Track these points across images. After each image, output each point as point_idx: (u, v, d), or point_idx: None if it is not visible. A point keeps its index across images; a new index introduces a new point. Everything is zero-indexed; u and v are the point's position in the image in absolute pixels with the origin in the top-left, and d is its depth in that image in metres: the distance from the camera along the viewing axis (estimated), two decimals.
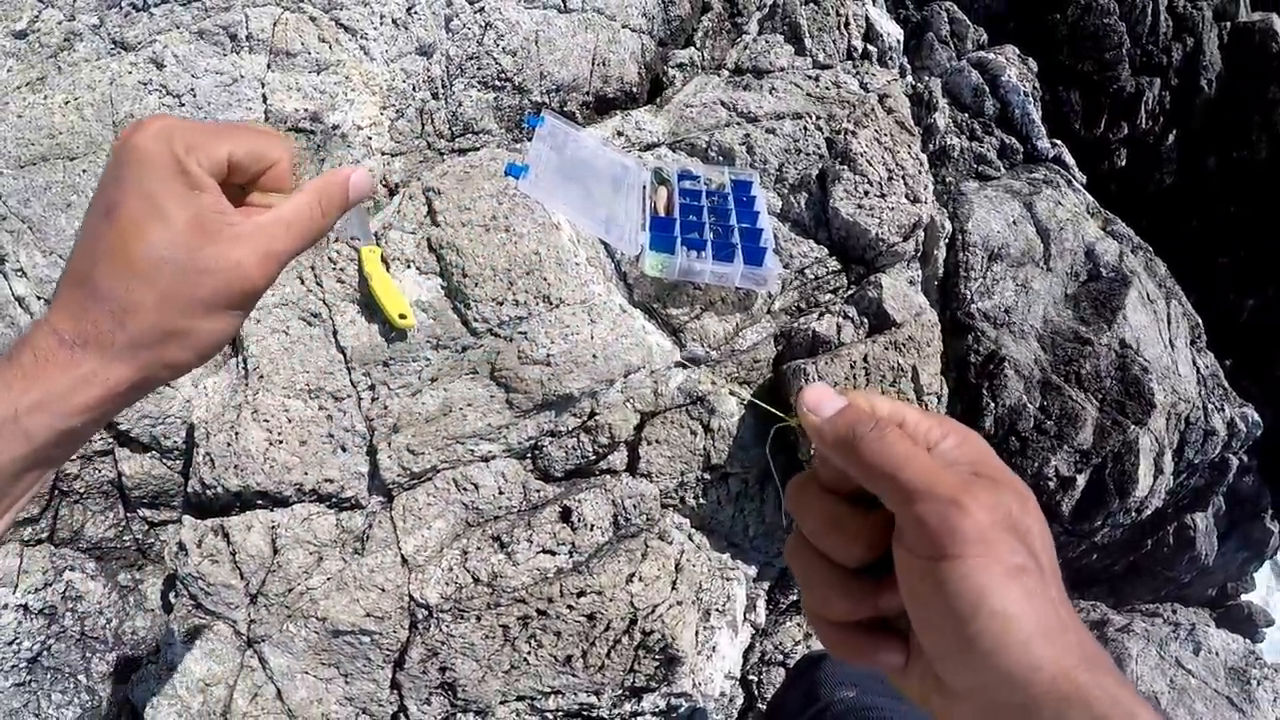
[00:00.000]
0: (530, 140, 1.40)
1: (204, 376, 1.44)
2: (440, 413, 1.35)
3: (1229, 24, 3.38)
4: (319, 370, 1.34)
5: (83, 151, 1.48)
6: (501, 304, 1.35)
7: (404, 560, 1.33)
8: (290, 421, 1.32)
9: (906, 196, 1.62)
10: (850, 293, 1.62)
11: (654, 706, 1.45)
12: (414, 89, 1.60)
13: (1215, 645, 2.90)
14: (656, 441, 1.46)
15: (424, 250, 1.38)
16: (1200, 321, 2.44)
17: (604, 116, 1.74)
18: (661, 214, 1.46)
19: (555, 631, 1.36)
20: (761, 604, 1.71)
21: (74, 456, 1.50)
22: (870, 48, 1.94)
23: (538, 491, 1.41)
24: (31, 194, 1.47)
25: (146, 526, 1.60)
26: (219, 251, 0.47)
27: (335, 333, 1.35)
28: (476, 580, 1.34)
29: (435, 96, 1.63)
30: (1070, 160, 2.39)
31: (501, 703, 1.38)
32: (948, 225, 2.04)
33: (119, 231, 0.46)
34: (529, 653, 1.36)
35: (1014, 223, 2.17)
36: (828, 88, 1.73)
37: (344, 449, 1.34)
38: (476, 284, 1.35)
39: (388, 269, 1.36)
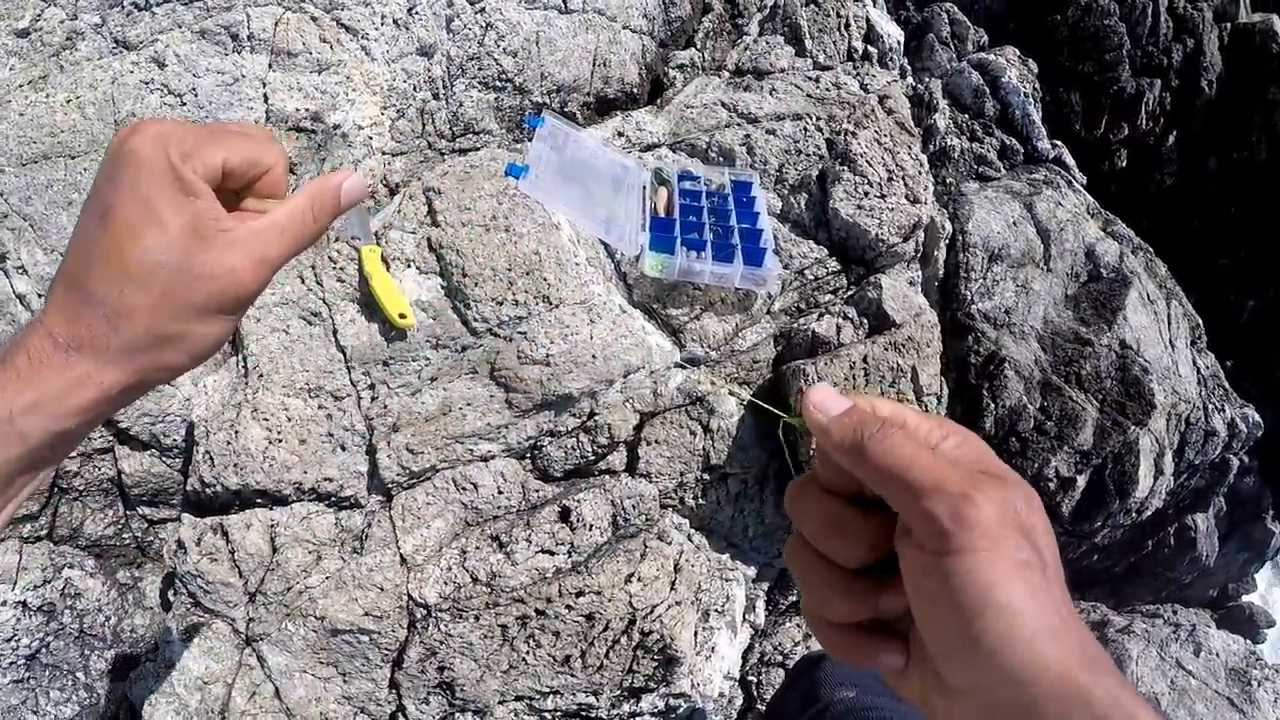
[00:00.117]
0: (531, 140, 1.40)
1: (204, 375, 1.44)
2: (440, 412, 1.35)
3: (1229, 25, 3.38)
4: (319, 369, 1.34)
5: (84, 150, 1.48)
6: (501, 304, 1.35)
7: (403, 559, 1.33)
8: (290, 420, 1.32)
9: (906, 197, 1.62)
10: (850, 293, 1.62)
11: (653, 707, 1.45)
12: (415, 89, 1.60)
13: (1216, 646, 2.89)
14: (656, 442, 1.46)
15: (424, 250, 1.38)
16: (1201, 322, 2.44)
17: (604, 117, 1.75)
18: (661, 214, 1.46)
19: (554, 631, 1.36)
20: (761, 605, 1.71)
21: (73, 454, 1.50)
22: (871, 49, 1.94)
23: (537, 491, 1.41)
24: (33, 192, 1.47)
25: (146, 524, 1.60)
26: (213, 257, 0.48)
27: (335, 332, 1.35)
28: (475, 580, 1.34)
29: (436, 97, 1.63)
30: (1070, 161, 2.39)
31: (500, 702, 1.38)
32: (948, 226, 2.04)
33: (113, 236, 0.46)
34: (527, 653, 1.36)
35: (1014, 223, 2.17)
36: (828, 89, 1.73)
37: (343, 448, 1.34)
38: (476, 284, 1.35)
39: (388, 268, 1.36)
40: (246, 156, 0.50)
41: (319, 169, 1.54)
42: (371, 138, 1.57)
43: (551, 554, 1.37)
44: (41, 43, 1.49)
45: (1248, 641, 3.02)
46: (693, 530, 1.55)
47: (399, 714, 1.36)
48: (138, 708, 1.34)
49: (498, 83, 1.66)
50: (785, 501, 0.48)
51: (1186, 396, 2.21)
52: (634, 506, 1.43)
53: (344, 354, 1.34)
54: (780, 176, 1.63)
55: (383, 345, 1.34)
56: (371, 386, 1.35)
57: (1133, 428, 2.07)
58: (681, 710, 1.48)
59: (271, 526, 1.31)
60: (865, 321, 1.55)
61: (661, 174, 1.53)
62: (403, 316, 1.31)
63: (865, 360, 1.45)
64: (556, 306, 1.37)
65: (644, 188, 1.48)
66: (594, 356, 1.37)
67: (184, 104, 1.49)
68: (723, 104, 1.68)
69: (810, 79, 1.76)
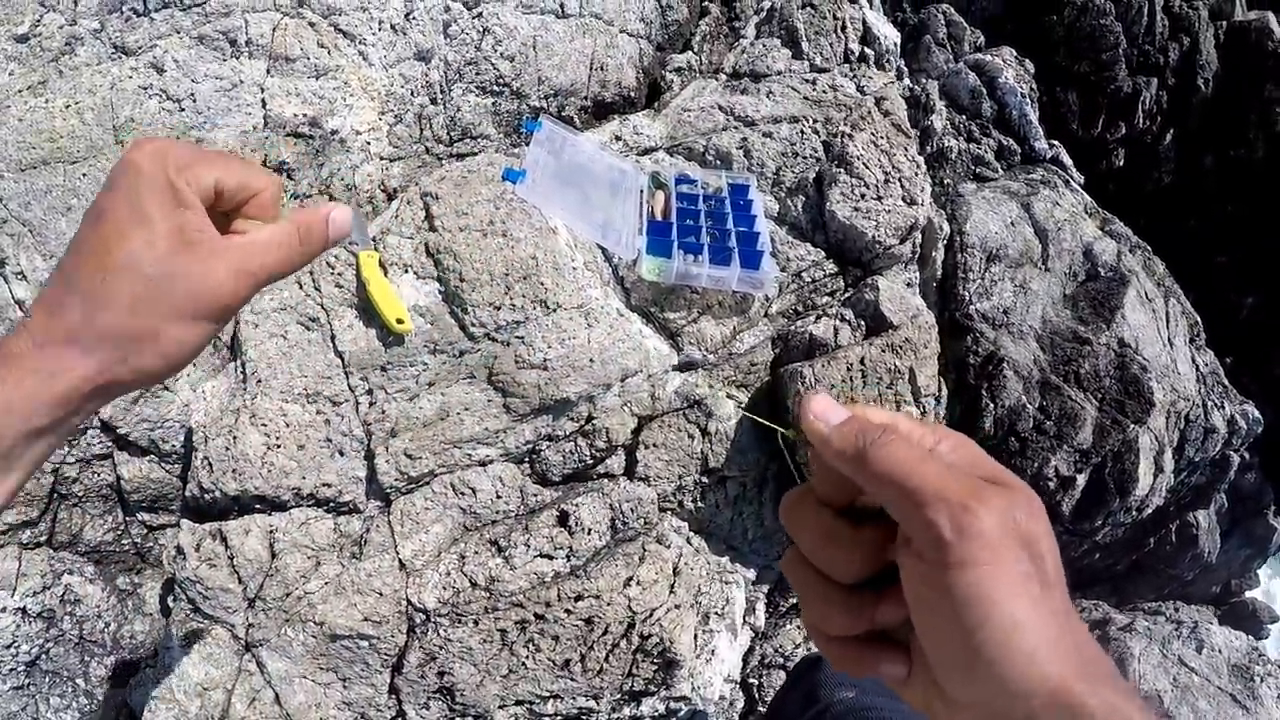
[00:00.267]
0: (528, 145, 1.40)
1: (202, 380, 1.44)
2: (438, 417, 1.36)
3: (1225, 23, 3.38)
4: (317, 375, 1.34)
5: (83, 155, 1.49)
6: (499, 308, 1.35)
7: (402, 564, 1.33)
8: (288, 426, 1.32)
9: (903, 199, 1.63)
10: (847, 295, 1.62)
11: (653, 710, 1.45)
12: (412, 94, 1.61)
13: (1218, 643, 2.89)
14: (654, 445, 1.46)
15: (421, 255, 1.39)
16: (1199, 320, 2.44)
17: (602, 121, 1.75)
18: (659, 218, 1.46)
19: (553, 635, 1.36)
20: (761, 607, 1.71)
21: (72, 460, 1.51)
22: (867, 51, 1.94)
23: (535, 496, 1.41)
24: (32, 197, 1.47)
25: (145, 530, 1.60)
26: (196, 260, 0.49)
27: (333, 337, 1.35)
28: (474, 584, 1.34)
29: (434, 102, 1.63)
30: (1068, 160, 2.40)
31: (500, 707, 1.38)
32: (946, 227, 2.05)
33: (102, 235, 0.48)
34: (527, 657, 1.36)
35: (1012, 223, 2.17)
36: (825, 91, 1.73)
37: (341, 453, 1.34)
38: (474, 289, 1.35)
39: (385, 274, 1.36)
40: (239, 179, 0.52)
41: (317, 174, 1.54)
42: (369, 143, 1.57)
43: (550, 558, 1.37)
44: (41, 48, 1.49)
45: (1250, 638, 3.02)
46: (692, 533, 1.55)
47: (399, 719, 1.36)
48: (138, 714, 1.34)
49: (495, 87, 1.67)
50: (780, 513, 0.48)
51: (1186, 394, 2.21)
52: (632, 510, 1.43)
53: (342, 359, 1.35)
54: (777, 179, 1.63)
55: (380, 350, 1.35)
56: (370, 392, 1.35)
57: (1132, 426, 2.07)
58: (682, 713, 1.48)
59: (270, 532, 1.31)
60: (862, 323, 1.55)
61: (659, 178, 1.53)
62: (400, 322, 1.32)
63: (862, 362, 1.45)
64: (554, 311, 1.37)
65: (641, 191, 1.48)
66: (591, 360, 1.38)
67: (182, 109, 1.50)
68: (720, 107, 1.68)
69: (807, 81, 1.76)
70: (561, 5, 1.71)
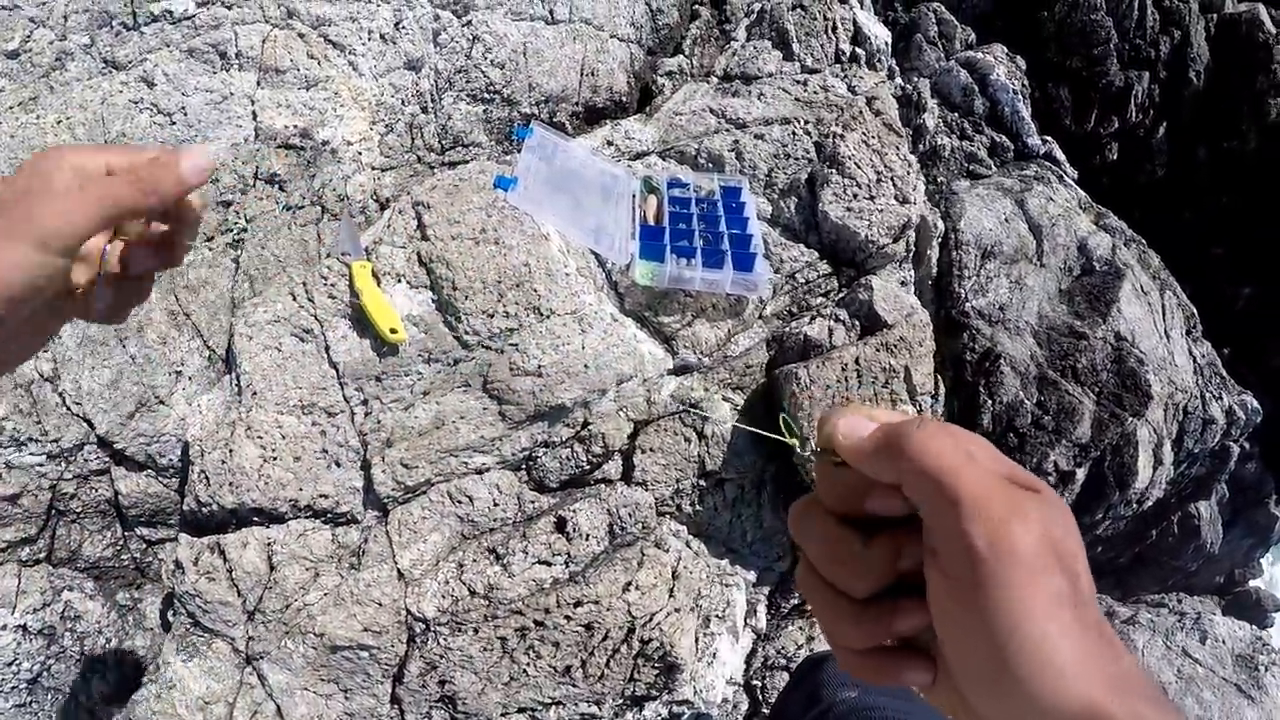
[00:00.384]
0: (519, 152, 1.40)
1: (198, 394, 1.44)
2: (433, 426, 1.36)
3: (1215, 15, 3.39)
4: (312, 386, 1.34)
5: None
6: (492, 316, 1.35)
7: (400, 574, 1.33)
8: (284, 438, 1.32)
9: (895, 198, 1.63)
10: (841, 295, 1.62)
11: (656, 715, 1.45)
12: (403, 103, 1.61)
13: (1222, 633, 2.89)
14: (651, 449, 1.46)
15: (414, 264, 1.39)
16: (1195, 311, 2.44)
17: (594, 126, 1.75)
18: (651, 223, 1.46)
19: (554, 642, 1.36)
20: (762, 609, 1.71)
21: (70, 476, 1.51)
22: (858, 51, 1.94)
23: (532, 502, 1.41)
24: None
25: (144, 545, 1.60)
26: (44, 191, 0.50)
27: (327, 348, 1.35)
28: (473, 593, 1.34)
29: (424, 110, 1.63)
30: (1061, 156, 2.40)
31: (503, 715, 1.38)
32: (940, 225, 2.05)
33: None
34: (528, 664, 1.36)
35: (1006, 220, 2.17)
36: (816, 92, 1.73)
37: (338, 464, 1.34)
38: (467, 297, 1.35)
39: (379, 284, 1.36)
40: (127, 157, 0.53)
41: (309, 185, 1.54)
42: (361, 153, 1.57)
43: (549, 565, 1.37)
44: (31, 64, 1.49)
45: (1254, 627, 3.02)
46: (691, 537, 1.55)
47: None
48: None
49: (486, 95, 1.67)
50: (789, 523, 0.46)
51: (1183, 386, 2.21)
52: (630, 515, 1.43)
53: (337, 370, 1.35)
54: (769, 181, 1.63)
55: (375, 360, 1.34)
56: (365, 402, 1.35)
57: (1130, 419, 2.07)
58: (685, 717, 1.48)
59: (268, 544, 1.31)
60: (857, 323, 1.55)
61: (651, 182, 1.54)
62: (394, 331, 1.31)
63: (857, 362, 1.45)
64: (547, 317, 1.37)
65: (633, 196, 1.48)
66: (586, 366, 1.38)
67: (173, 122, 1.50)
68: (711, 110, 1.68)
69: (798, 82, 1.76)
70: (551, 11, 1.72)
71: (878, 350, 1.47)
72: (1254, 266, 3.50)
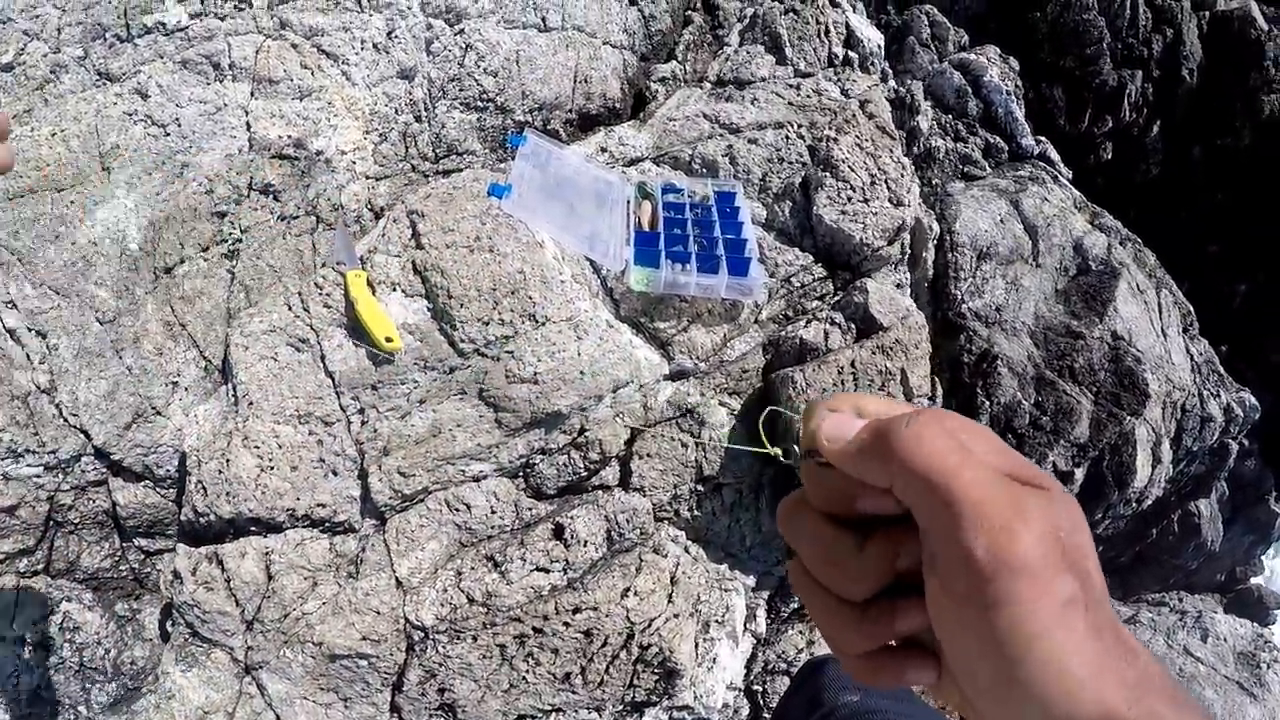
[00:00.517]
0: (513, 159, 1.41)
1: (194, 405, 1.45)
2: (430, 434, 1.36)
3: (1207, 13, 3.40)
4: (308, 395, 1.34)
5: (70, 183, 1.49)
6: (487, 324, 1.36)
7: (398, 582, 1.33)
8: (281, 447, 1.32)
9: (890, 200, 1.63)
10: (837, 299, 1.63)
11: None
12: (397, 112, 1.61)
13: (1223, 631, 2.89)
14: (648, 455, 1.46)
15: (409, 273, 1.39)
16: (1191, 309, 2.44)
17: (587, 133, 1.75)
18: (645, 228, 1.46)
19: (553, 649, 1.36)
20: (762, 613, 1.71)
21: (68, 488, 1.51)
22: (851, 54, 1.95)
23: (530, 510, 1.41)
24: (20, 226, 1.47)
25: (142, 556, 1.60)
26: None
27: (323, 358, 1.35)
28: (471, 600, 1.34)
29: (418, 119, 1.64)
30: (1055, 156, 2.40)
31: None
32: (935, 227, 2.05)
33: None
34: (527, 671, 1.36)
35: (1001, 221, 2.18)
36: (809, 96, 1.74)
37: (335, 473, 1.34)
38: (462, 305, 1.35)
39: (373, 292, 1.36)
40: None
41: (303, 195, 1.54)
42: (355, 162, 1.57)
43: (547, 572, 1.37)
44: (25, 76, 1.49)
45: (1255, 625, 3.02)
46: (689, 542, 1.55)
47: None
48: None
49: (479, 103, 1.67)
50: (778, 523, 0.44)
51: (1181, 384, 2.21)
52: (628, 521, 1.43)
53: (333, 379, 1.35)
54: (764, 185, 1.64)
55: (371, 369, 1.35)
56: (361, 411, 1.35)
57: (1128, 418, 2.07)
58: None
59: (266, 554, 1.31)
60: (853, 326, 1.55)
61: (645, 188, 1.54)
62: (389, 340, 1.32)
63: (853, 365, 1.45)
64: (543, 324, 1.37)
65: (628, 202, 1.48)
66: (582, 373, 1.38)
67: (168, 134, 1.50)
68: (705, 115, 1.69)
69: (791, 86, 1.77)
70: (544, 19, 1.72)
71: (874, 353, 1.47)
72: (1250, 263, 3.51)
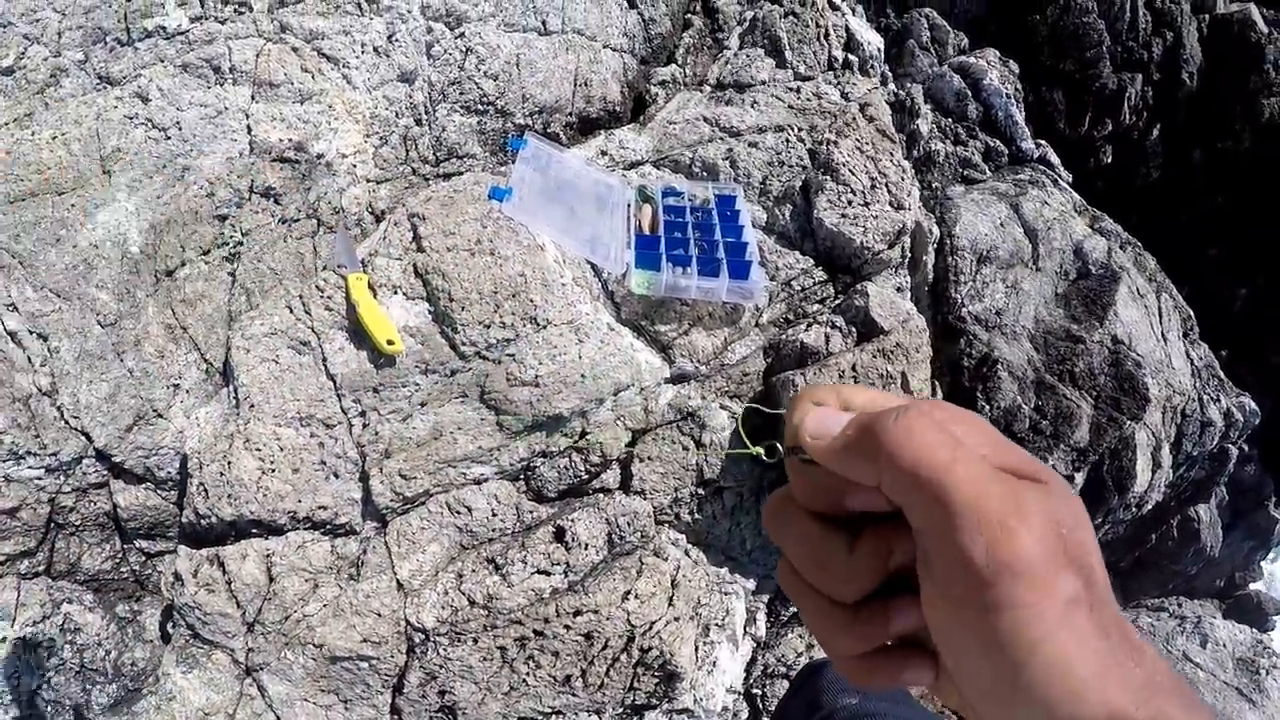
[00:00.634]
0: (514, 163, 1.41)
1: (196, 407, 1.45)
2: (431, 437, 1.36)
3: (1207, 16, 3.40)
4: (309, 398, 1.34)
5: (71, 186, 1.49)
6: (489, 327, 1.36)
7: (399, 585, 1.33)
8: (282, 450, 1.33)
9: (890, 204, 1.63)
10: (837, 302, 1.63)
11: None
12: (397, 116, 1.62)
13: (1222, 637, 2.89)
14: (649, 458, 1.46)
15: (410, 276, 1.39)
16: (1192, 313, 2.45)
17: (588, 136, 1.76)
18: (646, 232, 1.47)
19: (553, 652, 1.36)
20: (762, 617, 1.71)
21: (69, 490, 1.51)
22: (851, 57, 1.95)
23: (531, 512, 1.41)
24: (21, 229, 1.48)
25: (144, 557, 1.60)
26: None
27: (324, 360, 1.35)
28: (472, 603, 1.34)
29: (419, 123, 1.64)
30: (1055, 160, 2.41)
31: None
32: (935, 230, 2.05)
33: None
34: (528, 673, 1.36)
35: (1001, 224, 2.18)
36: (809, 99, 1.74)
37: (336, 475, 1.34)
38: (463, 308, 1.36)
39: (375, 295, 1.37)
40: None
41: (304, 198, 1.55)
42: (355, 165, 1.58)
43: (547, 574, 1.37)
44: (26, 80, 1.50)
45: (1254, 631, 3.02)
46: (690, 545, 1.55)
47: None
48: None
49: (479, 106, 1.68)
50: (764, 522, 0.42)
51: (1181, 389, 2.21)
52: (629, 524, 1.43)
53: (334, 382, 1.35)
54: (764, 189, 1.64)
55: (372, 372, 1.35)
56: (363, 413, 1.35)
57: (1128, 423, 2.07)
58: None
59: (267, 556, 1.31)
60: (853, 330, 1.55)
61: (645, 191, 1.54)
62: (391, 343, 1.32)
63: (854, 369, 1.46)
64: (544, 327, 1.37)
65: (628, 205, 1.49)
66: (583, 376, 1.38)
67: (168, 137, 1.50)
68: (705, 119, 1.69)
69: (791, 90, 1.77)
70: (544, 22, 1.73)
71: (874, 357, 1.48)
72: (1251, 266, 3.51)
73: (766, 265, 1.57)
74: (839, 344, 1.52)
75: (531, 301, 1.38)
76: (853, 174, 1.61)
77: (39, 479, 1.45)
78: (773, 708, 1.77)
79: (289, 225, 1.54)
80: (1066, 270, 2.17)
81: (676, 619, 1.42)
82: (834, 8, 2.01)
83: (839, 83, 1.81)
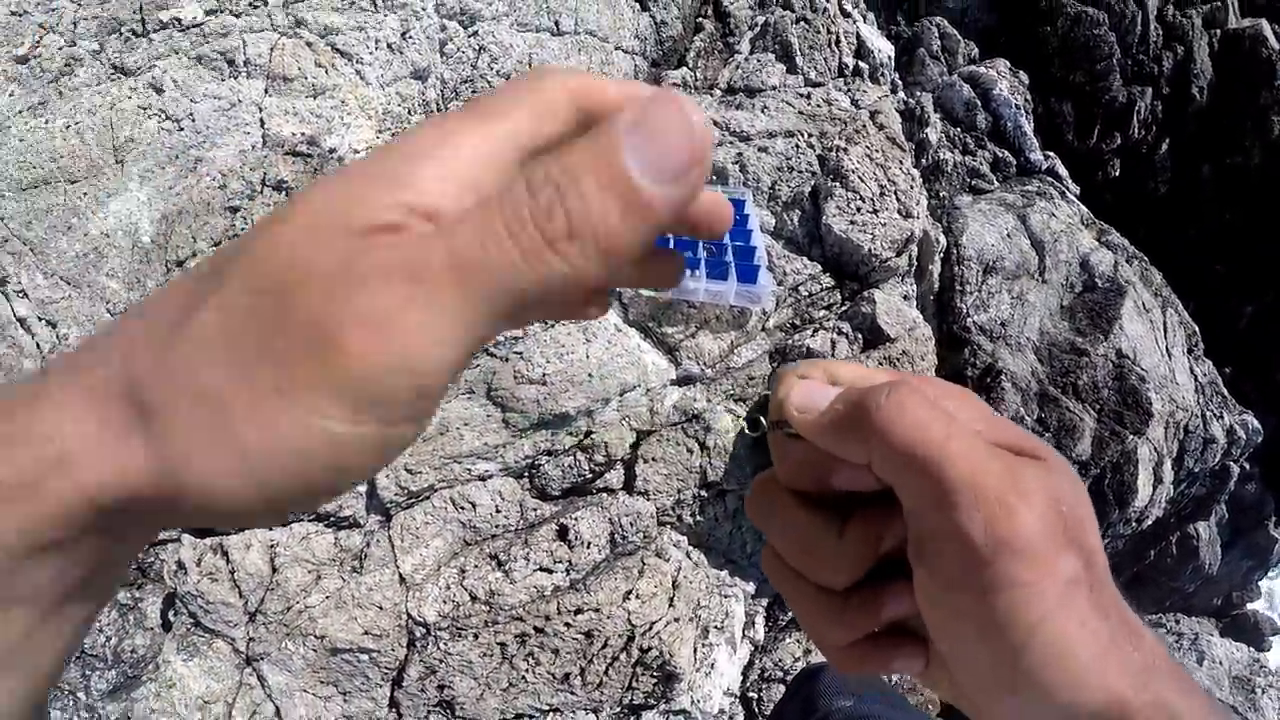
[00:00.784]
0: None
1: None
2: (437, 432, 1.36)
3: (1219, 31, 3.40)
4: None
5: (83, 175, 1.50)
6: None
7: (402, 579, 1.34)
8: None
9: (899, 212, 1.64)
10: (844, 309, 1.63)
11: None
12: (409, 113, 1.62)
13: (1219, 655, 2.89)
14: (653, 459, 1.47)
15: None
16: (1197, 329, 2.45)
17: None
18: None
19: (553, 649, 1.36)
20: (760, 621, 1.72)
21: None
22: (861, 64, 1.96)
23: (534, 510, 1.41)
24: (33, 216, 1.48)
25: (146, 545, 1.61)
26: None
27: None
28: (474, 598, 1.34)
29: None
30: (1063, 171, 2.41)
31: None
32: (942, 239, 2.06)
33: None
34: (527, 670, 1.36)
35: (1008, 235, 2.18)
36: (819, 105, 1.75)
37: None
38: None
39: None
40: None
41: None
42: None
43: (550, 572, 1.38)
44: (41, 69, 1.51)
45: (1251, 649, 3.01)
46: (691, 547, 1.56)
47: None
48: None
49: None
50: (747, 507, 0.40)
51: (1184, 404, 2.21)
52: (632, 524, 1.44)
53: None
54: (773, 194, 1.65)
55: None
56: None
57: (1131, 437, 2.07)
58: None
59: (271, 546, 1.32)
60: (859, 336, 1.56)
61: None
62: None
63: None
64: (551, 326, 1.38)
65: None
66: (590, 375, 1.39)
67: (181, 129, 1.51)
68: (715, 122, 1.70)
69: (802, 96, 1.78)
70: (556, 23, 1.73)
71: (880, 364, 1.48)
72: (1258, 283, 3.51)
73: (774, 270, 1.58)
74: (845, 350, 1.53)
75: None
76: (862, 181, 1.62)
77: None
78: (768, 712, 1.78)
79: None
80: (1072, 283, 2.17)
81: (676, 620, 1.43)
82: (845, 14, 2.02)
83: (849, 90, 1.81)
